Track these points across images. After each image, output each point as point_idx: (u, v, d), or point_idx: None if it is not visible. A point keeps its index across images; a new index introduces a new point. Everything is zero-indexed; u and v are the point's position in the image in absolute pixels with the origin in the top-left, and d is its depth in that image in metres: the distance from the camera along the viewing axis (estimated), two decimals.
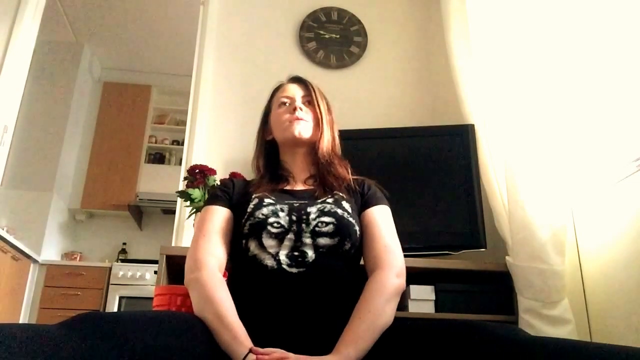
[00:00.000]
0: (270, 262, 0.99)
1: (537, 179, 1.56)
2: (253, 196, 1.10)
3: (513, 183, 1.61)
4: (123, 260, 4.37)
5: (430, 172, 1.95)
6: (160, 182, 4.66)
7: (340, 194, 1.12)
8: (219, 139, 2.29)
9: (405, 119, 2.34)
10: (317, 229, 1.02)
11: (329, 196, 1.10)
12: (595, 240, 1.53)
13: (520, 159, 1.60)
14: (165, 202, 4.42)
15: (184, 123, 2.66)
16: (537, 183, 1.56)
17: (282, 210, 1.04)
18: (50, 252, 4.23)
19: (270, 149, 1.26)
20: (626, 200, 1.39)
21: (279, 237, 1.01)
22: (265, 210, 1.04)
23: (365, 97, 2.43)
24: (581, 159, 1.63)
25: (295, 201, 1.09)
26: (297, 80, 1.28)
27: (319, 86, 1.29)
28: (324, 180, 1.15)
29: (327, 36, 2.54)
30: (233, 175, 1.81)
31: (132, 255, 4.59)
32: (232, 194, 1.15)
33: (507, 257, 1.67)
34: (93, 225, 4.78)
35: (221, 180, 1.33)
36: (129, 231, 4.74)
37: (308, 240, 1.01)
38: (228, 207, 1.12)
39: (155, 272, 2.67)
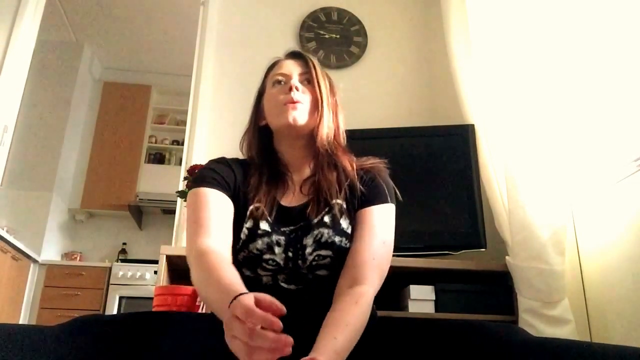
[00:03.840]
0: (266, 279, 0.95)
1: (537, 179, 1.56)
2: (249, 210, 0.97)
3: (513, 183, 1.61)
4: (123, 260, 4.37)
5: (430, 172, 1.95)
6: (160, 182, 4.65)
7: (339, 201, 0.99)
8: (219, 139, 2.29)
9: (405, 119, 2.34)
10: (314, 263, 0.95)
11: (326, 210, 0.98)
12: (595, 240, 1.53)
13: (520, 159, 1.60)
14: (165, 202, 4.41)
15: (184, 123, 2.66)
16: (537, 183, 1.56)
17: (279, 245, 0.94)
18: (50, 252, 4.23)
19: (264, 137, 1.08)
20: (626, 200, 1.39)
21: (275, 271, 0.95)
22: (260, 244, 0.94)
23: (365, 97, 2.43)
24: (581, 159, 1.63)
25: (291, 227, 0.97)
26: (295, 55, 1.10)
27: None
28: (319, 186, 1.00)
29: (327, 36, 2.54)
30: None
31: (132, 255, 4.58)
32: (233, 187, 1.00)
33: (507, 257, 1.67)
34: (93, 225, 4.78)
35: (216, 164, 1.06)
36: (129, 231, 4.74)
37: (305, 271, 0.95)
38: (229, 197, 0.98)
39: (155, 272, 2.68)
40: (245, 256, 0.94)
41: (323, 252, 0.94)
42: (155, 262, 1.95)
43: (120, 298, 4.00)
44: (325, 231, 0.95)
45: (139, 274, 4.08)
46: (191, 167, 1.87)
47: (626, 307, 1.37)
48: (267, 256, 0.93)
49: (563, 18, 1.68)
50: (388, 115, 2.36)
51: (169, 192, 3.62)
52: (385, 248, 0.97)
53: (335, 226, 0.96)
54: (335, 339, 0.76)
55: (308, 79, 1.05)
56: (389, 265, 0.98)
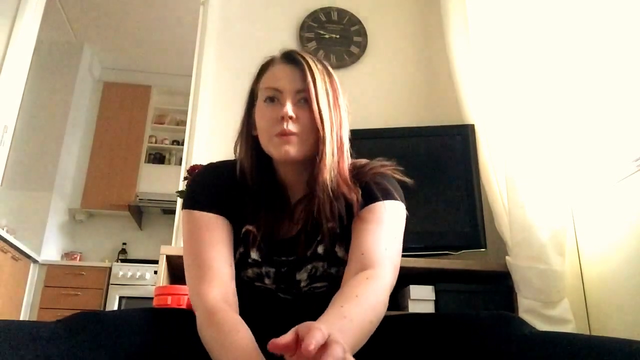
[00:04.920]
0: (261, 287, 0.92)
1: (537, 179, 1.56)
2: (242, 232, 0.90)
3: (513, 184, 1.61)
4: (123, 260, 4.37)
5: (430, 172, 1.95)
6: (160, 182, 4.66)
7: (332, 225, 0.87)
8: (219, 139, 2.29)
9: (405, 119, 2.34)
10: (309, 292, 0.90)
11: (319, 238, 0.88)
12: (596, 240, 1.53)
13: (520, 160, 1.60)
14: (165, 202, 4.42)
15: (184, 123, 2.66)
16: (537, 183, 1.56)
17: (268, 276, 0.90)
18: (50, 252, 4.24)
19: (259, 148, 0.92)
20: (626, 200, 1.39)
21: (268, 294, 0.92)
22: (250, 272, 0.90)
23: (365, 97, 2.43)
24: (581, 159, 1.63)
25: (282, 259, 0.90)
26: (291, 60, 0.90)
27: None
28: (310, 212, 0.88)
29: (327, 36, 2.54)
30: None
31: (132, 255, 4.59)
32: (227, 204, 0.90)
33: (507, 257, 1.67)
34: (93, 225, 4.78)
35: (208, 177, 0.96)
36: (129, 231, 4.74)
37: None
38: (225, 216, 0.90)
39: (155, 272, 2.68)
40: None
41: (318, 284, 0.89)
42: (155, 262, 1.95)
43: (120, 298, 4.00)
44: (319, 265, 0.88)
45: (139, 274, 4.08)
46: (191, 167, 1.87)
47: (626, 307, 1.37)
48: (258, 283, 0.91)
49: (563, 18, 1.68)
50: (388, 115, 2.36)
51: (169, 192, 3.63)
52: (396, 241, 0.87)
53: (329, 257, 0.88)
54: (341, 307, 0.68)
55: (306, 98, 0.86)
56: (399, 262, 0.87)
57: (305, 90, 0.86)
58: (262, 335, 0.83)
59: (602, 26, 1.56)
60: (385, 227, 0.85)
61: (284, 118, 0.84)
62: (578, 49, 1.66)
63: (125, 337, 0.75)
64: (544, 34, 1.63)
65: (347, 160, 0.91)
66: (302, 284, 0.89)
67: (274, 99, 0.88)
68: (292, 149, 0.85)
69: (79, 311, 0.78)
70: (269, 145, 0.88)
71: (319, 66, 0.90)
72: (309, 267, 0.88)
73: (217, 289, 0.80)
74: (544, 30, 1.64)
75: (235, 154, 0.97)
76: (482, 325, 0.77)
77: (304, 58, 0.89)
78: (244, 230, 0.89)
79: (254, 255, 0.89)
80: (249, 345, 0.70)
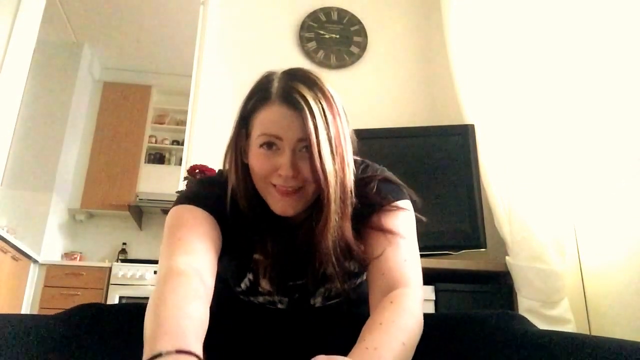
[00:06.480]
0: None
1: (537, 179, 1.56)
2: (252, 258, 0.85)
3: (513, 184, 1.61)
4: (123, 260, 4.36)
5: (430, 172, 1.95)
6: (160, 182, 4.65)
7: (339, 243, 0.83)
8: (218, 139, 2.29)
9: (405, 119, 2.34)
10: (323, 307, 0.90)
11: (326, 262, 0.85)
12: (596, 240, 1.53)
13: (520, 159, 1.60)
14: (165, 202, 4.41)
15: (184, 123, 2.67)
16: (537, 183, 1.56)
17: (281, 303, 0.88)
18: (50, 252, 4.23)
19: (251, 178, 0.83)
20: (627, 200, 1.39)
21: (280, 313, 0.90)
22: (260, 299, 0.88)
23: (365, 97, 2.43)
24: (581, 159, 1.63)
25: (290, 283, 0.87)
26: (291, 103, 0.77)
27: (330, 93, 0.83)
28: (312, 238, 0.82)
29: (327, 36, 2.54)
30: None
31: (132, 255, 4.58)
32: (225, 223, 0.83)
33: (507, 257, 1.67)
34: (93, 225, 4.78)
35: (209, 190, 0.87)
36: (129, 231, 4.73)
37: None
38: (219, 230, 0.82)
39: (155, 272, 2.67)
40: (246, 300, 0.89)
41: (333, 302, 0.89)
42: (155, 262, 1.95)
43: (120, 298, 3.99)
44: (332, 286, 0.87)
45: (139, 274, 4.07)
46: (191, 167, 1.87)
47: (626, 307, 1.37)
48: (269, 306, 0.89)
49: (564, 19, 1.68)
50: (388, 115, 2.36)
51: (169, 192, 3.61)
52: (411, 242, 0.84)
53: (340, 275, 0.83)
54: (364, 340, 0.65)
55: (307, 146, 0.76)
56: (420, 263, 0.83)
57: (306, 139, 0.76)
58: (276, 349, 0.82)
59: (602, 27, 1.56)
60: (399, 236, 0.81)
61: (281, 176, 0.77)
62: (580, 48, 1.66)
63: (123, 329, 0.75)
64: (546, 35, 1.64)
65: (350, 233, 0.82)
66: (317, 305, 0.89)
67: (272, 146, 0.78)
68: (292, 209, 0.79)
69: (78, 304, 0.78)
70: (265, 195, 0.81)
71: (322, 103, 0.79)
72: (322, 290, 0.87)
73: (191, 258, 0.71)
74: (546, 32, 1.64)
75: (223, 166, 0.89)
76: (485, 323, 0.77)
77: (304, 99, 0.77)
78: (255, 257, 0.85)
79: (265, 285, 0.85)
80: (188, 323, 0.60)
